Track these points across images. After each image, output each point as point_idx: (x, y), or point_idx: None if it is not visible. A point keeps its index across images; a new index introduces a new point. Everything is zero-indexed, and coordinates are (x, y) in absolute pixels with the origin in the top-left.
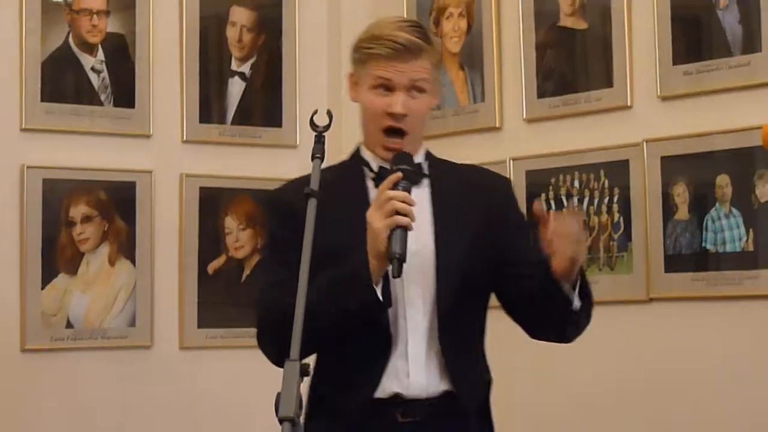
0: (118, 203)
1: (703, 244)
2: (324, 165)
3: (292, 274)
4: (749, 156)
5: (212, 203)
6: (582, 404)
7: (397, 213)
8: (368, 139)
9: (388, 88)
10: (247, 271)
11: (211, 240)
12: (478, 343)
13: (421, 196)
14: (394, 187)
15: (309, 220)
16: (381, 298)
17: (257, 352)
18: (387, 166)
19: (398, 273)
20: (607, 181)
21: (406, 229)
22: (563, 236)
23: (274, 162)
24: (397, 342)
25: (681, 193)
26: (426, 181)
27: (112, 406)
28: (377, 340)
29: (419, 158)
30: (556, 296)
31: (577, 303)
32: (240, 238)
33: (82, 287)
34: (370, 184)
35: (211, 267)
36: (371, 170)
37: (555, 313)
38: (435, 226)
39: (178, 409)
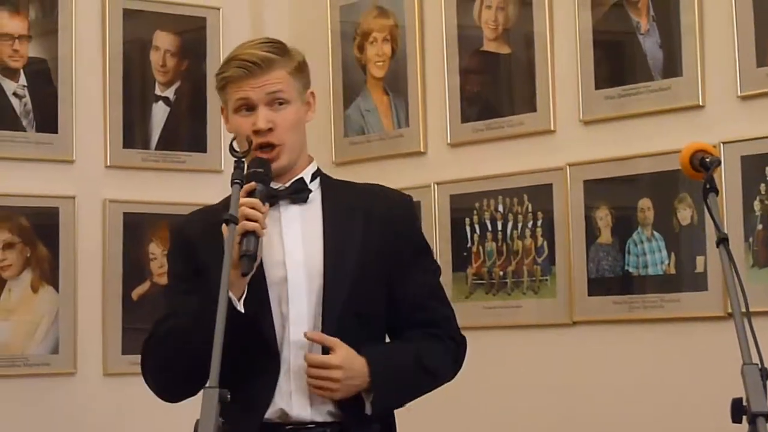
0: (40, 229)
1: (626, 268)
2: None
3: (181, 303)
4: (671, 179)
5: (136, 229)
6: (506, 428)
7: (247, 219)
8: None
9: (249, 107)
10: None
11: (135, 266)
12: None
13: (312, 211)
14: (250, 195)
15: (227, 246)
16: (242, 309)
17: None
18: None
19: (248, 269)
20: (530, 205)
21: (256, 233)
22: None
23: (199, 187)
24: (283, 360)
25: (603, 217)
26: (317, 198)
27: None
28: (266, 359)
29: (305, 175)
30: None
31: (368, 410)
32: (164, 264)
33: (4, 314)
34: None
35: (136, 293)
36: None
37: None
38: (325, 242)
39: None
